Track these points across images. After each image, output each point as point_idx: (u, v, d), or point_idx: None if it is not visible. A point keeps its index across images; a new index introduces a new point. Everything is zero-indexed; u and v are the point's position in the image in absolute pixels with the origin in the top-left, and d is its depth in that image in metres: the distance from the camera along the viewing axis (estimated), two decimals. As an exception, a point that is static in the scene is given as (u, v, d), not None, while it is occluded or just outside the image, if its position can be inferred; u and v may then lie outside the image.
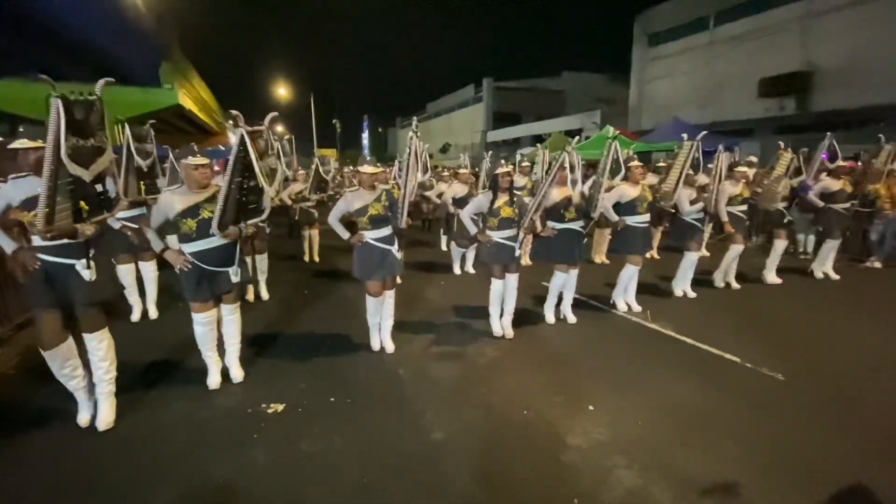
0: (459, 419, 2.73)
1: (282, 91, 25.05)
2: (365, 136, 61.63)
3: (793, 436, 2.54)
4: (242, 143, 2.68)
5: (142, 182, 4.36)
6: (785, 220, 5.53)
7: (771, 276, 5.59)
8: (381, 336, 3.75)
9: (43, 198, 2.22)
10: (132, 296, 4.55)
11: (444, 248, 7.89)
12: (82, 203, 2.39)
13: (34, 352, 3.42)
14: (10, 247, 2.48)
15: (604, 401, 2.91)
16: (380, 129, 60.87)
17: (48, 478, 2.23)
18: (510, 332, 3.99)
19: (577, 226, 4.16)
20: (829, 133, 6.07)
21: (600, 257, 6.82)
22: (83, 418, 2.67)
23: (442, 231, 7.75)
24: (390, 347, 3.70)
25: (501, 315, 4.05)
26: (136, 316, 4.54)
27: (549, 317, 4.38)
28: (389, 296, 3.63)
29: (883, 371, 3.31)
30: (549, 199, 3.99)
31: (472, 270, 6.41)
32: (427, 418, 2.73)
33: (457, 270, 6.42)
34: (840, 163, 5.75)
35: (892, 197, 6.01)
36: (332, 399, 2.95)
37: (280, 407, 2.85)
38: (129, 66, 11.60)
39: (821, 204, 5.66)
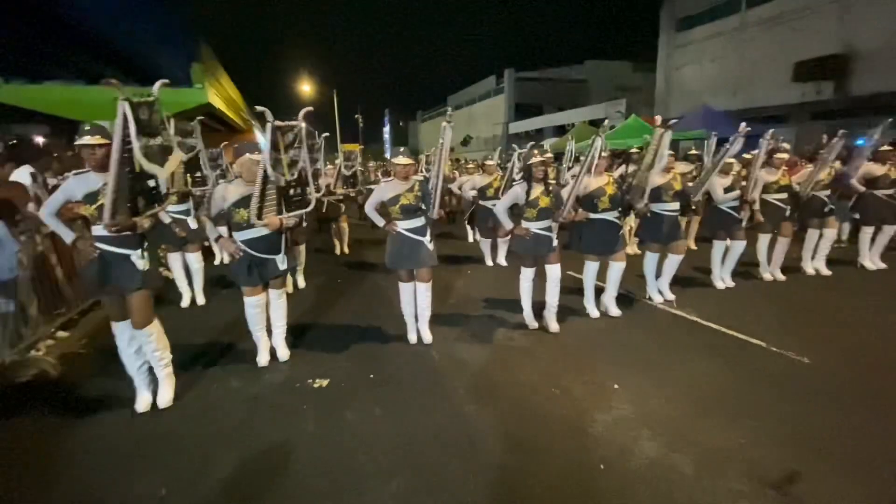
0: (490, 395, 2.89)
1: (305, 88, 25.50)
2: (386, 130, 62.01)
3: (812, 415, 2.60)
4: (273, 136, 2.85)
5: (188, 175, 4.67)
6: (826, 209, 5.23)
7: (814, 266, 5.42)
8: (419, 326, 3.79)
9: (110, 193, 2.40)
10: (181, 283, 4.90)
11: (471, 239, 8.02)
12: (140, 198, 2.56)
13: (100, 334, 3.78)
14: (69, 237, 2.71)
15: (629, 381, 3.02)
16: (400, 123, 61.17)
17: (120, 447, 2.46)
18: (555, 326, 3.90)
19: (611, 216, 4.03)
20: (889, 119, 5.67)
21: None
22: (141, 404, 2.82)
23: (466, 222, 7.81)
24: (428, 338, 3.74)
25: (537, 307, 3.99)
26: (185, 302, 4.89)
27: (592, 311, 4.26)
28: (426, 287, 3.65)
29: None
30: (584, 188, 3.96)
31: (503, 262, 6.38)
32: (459, 394, 2.91)
33: (489, 262, 6.43)
34: (886, 147, 5.46)
35: None
36: (371, 376, 3.16)
37: (325, 382, 3.09)
38: (163, 68, 12.11)
39: (862, 189, 5.42)
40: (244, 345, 3.52)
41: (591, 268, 4.19)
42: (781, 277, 5.19)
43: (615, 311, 4.25)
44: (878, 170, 5.42)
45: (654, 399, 2.81)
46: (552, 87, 34.71)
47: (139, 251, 2.65)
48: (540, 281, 3.88)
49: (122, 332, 2.77)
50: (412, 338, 3.77)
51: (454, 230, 8.96)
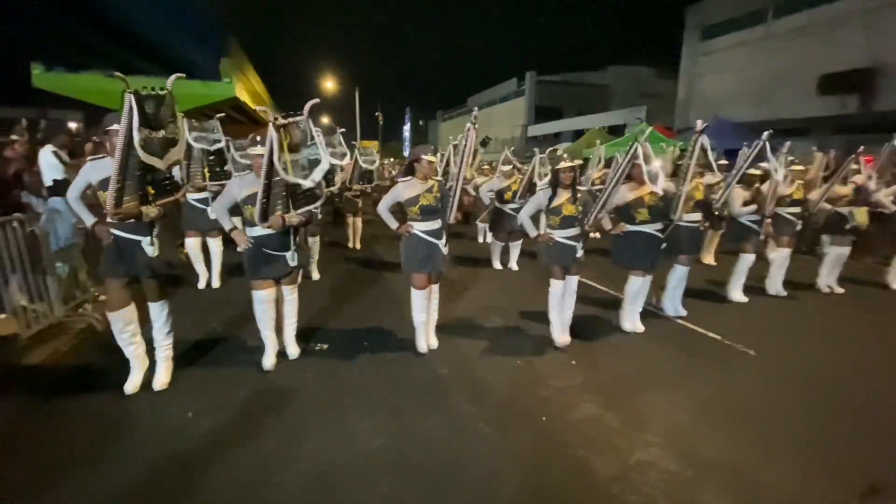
0: (504, 413, 2.80)
1: (329, 84, 25.93)
2: (406, 128, 62.37)
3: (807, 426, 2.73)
4: (278, 135, 2.72)
5: (207, 169, 4.86)
6: (847, 226, 5.14)
7: (827, 283, 5.33)
8: (427, 331, 3.66)
9: (112, 182, 2.46)
10: (199, 265, 5.16)
11: (480, 240, 8.09)
12: (149, 188, 2.64)
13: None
14: (89, 220, 2.82)
15: (655, 403, 2.95)
16: (420, 123, 61.51)
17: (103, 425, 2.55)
18: (566, 339, 3.72)
19: (650, 229, 3.78)
20: None
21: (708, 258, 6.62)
22: (132, 384, 2.87)
23: (480, 222, 7.87)
24: (434, 343, 3.65)
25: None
26: (201, 284, 5.16)
27: (626, 325, 4.07)
28: (434, 291, 3.55)
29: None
30: (620, 198, 3.74)
31: (514, 267, 6.33)
32: (467, 408, 2.90)
33: (496, 265, 6.35)
34: None
35: None
36: (378, 384, 3.13)
37: (325, 346, 3.54)
38: (194, 62, 12.59)
39: (894, 207, 5.28)
40: (252, 334, 3.41)
41: (635, 283, 3.93)
42: (783, 293, 5.16)
43: (639, 327, 4.06)
44: None
45: (685, 425, 2.64)
46: (573, 90, 34.60)
47: (149, 238, 2.71)
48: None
49: (115, 320, 2.82)
50: (422, 346, 3.59)
51: (465, 230, 9.02)
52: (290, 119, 2.79)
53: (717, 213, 4.89)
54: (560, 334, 3.74)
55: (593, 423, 2.71)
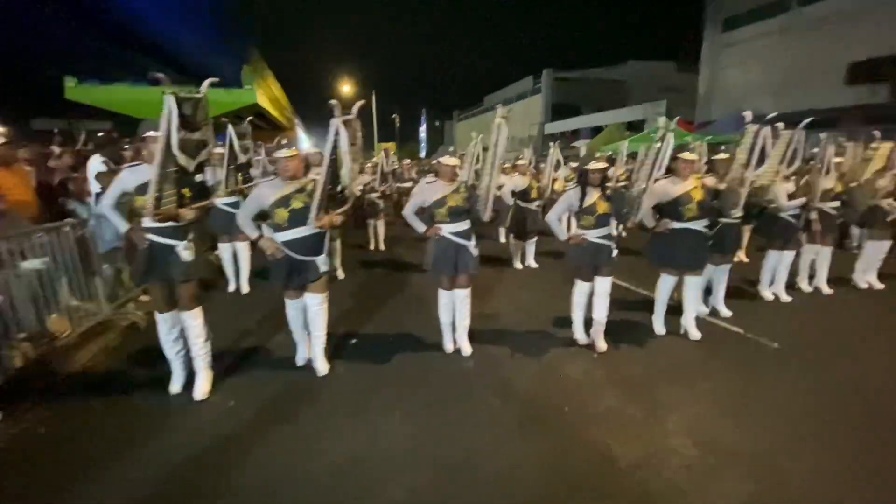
0: (535, 421, 2.76)
1: (345, 88, 26.24)
2: (422, 129, 62.58)
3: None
4: (337, 133, 2.78)
5: (240, 174, 4.96)
6: (889, 219, 4.95)
7: (866, 279, 5.18)
8: (457, 336, 3.60)
9: (153, 184, 2.50)
10: (228, 270, 5.27)
11: (503, 240, 8.03)
12: (185, 190, 2.68)
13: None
14: (123, 227, 2.83)
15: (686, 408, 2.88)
16: (437, 123, 61.63)
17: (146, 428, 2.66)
18: (602, 345, 3.58)
19: (698, 226, 3.60)
20: None
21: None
22: (175, 387, 2.98)
23: (497, 223, 7.74)
24: (467, 349, 3.54)
25: (587, 323, 3.70)
26: (231, 288, 5.28)
27: (658, 327, 3.94)
28: (465, 294, 3.45)
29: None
30: (663, 193, 3.59)
31: (534, 264, 6.38)
32: (500, 417, 2.80)
33: (517, 265, 6.38)
34: None
35: None
36: (409, 390, 3.11)
37: (355, 341, 3.63)
38: (217, 70, 12.96)
39: None
40: (283, 335, 3.54)
41: (667, 282, 3.80)
42: (828, 291, 5.00)
43: (695, 333, 3.82)
44: None
45: (707, 416, 2.64)
46: (591, 87, 34.19)
47: (184, 242, 2.73)
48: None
49: (163, 321, 2.89)
50: (448, 346, 3.58)
51: (487, 230, 8.99)
52: (348, 117, 2.87)
53: (760, 208, 4.63)
54: (582, 332, 3.74)
55: (615, 415, 2.77)
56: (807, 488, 2.15)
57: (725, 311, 4.35)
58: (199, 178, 2.75)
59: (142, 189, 2.63)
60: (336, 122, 2.79)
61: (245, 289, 5.30)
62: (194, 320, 2.91)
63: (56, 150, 5.23)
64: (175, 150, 2.47)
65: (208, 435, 2.58)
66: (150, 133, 2.64)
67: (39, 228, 3.51)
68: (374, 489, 2.18)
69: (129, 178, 2.74)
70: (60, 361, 3.30)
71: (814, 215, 4.65)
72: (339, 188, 3.03)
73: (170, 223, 2.69)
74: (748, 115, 3.71)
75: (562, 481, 2.22)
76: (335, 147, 2.84)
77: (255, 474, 2.28)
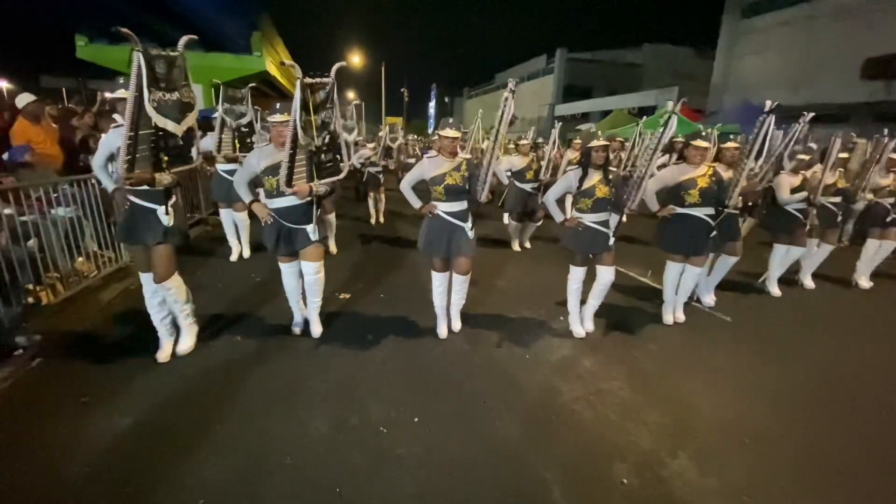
0: (526, 405, 2.73)
1: (356, 59, 25.94)
2: (432, 104, 61.83)
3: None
4: (303, 94, 2.61)
5: (237, 140, 4.88)
6: (889, 219, 4.93)
7: (864, 280, 5.15)
8: (450, 314, 3.55)
9: (123, 147, 2.34)
10: (230, 238, 5.31)
11: (506, 221, 7.77)
12: (163, 154, 2.53)
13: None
14: (111, 187, 2.89)
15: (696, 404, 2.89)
16: (446, 99, 60.85)
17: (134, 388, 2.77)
18: (590, 326, 3.60)
19: (700, 212, 3.55)
20: None
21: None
22: (162, 354, 2.96)
23: (499, 205, 7.77)
24: (456, 326, 3.56)
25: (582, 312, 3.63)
26: (234, 257, 5.28)
27: (667, 318, 3.90)
28: (464, 280, 3.35)
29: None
30: (671, 178, 3.57)
31: (527, 245, 6.33)
32: (490, 403, 2.77)
33: (515, 247, 6.31)
34: None
35: None
36: (397, 370, 3.07)
37: (347, 295, 3.79)
38: (227, 36, 12.92)
39: None
40: (280, 303, 3.55)
41: (672, 269, 3.75)
42: (810, 286, 5.02)
43: (680, 317, 3.93)
44: None
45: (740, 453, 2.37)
46: (605, 69, 33.63)
47: (164, 206, 2.69)
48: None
49: (147, 282, 2.87)
50: (442, 332, 3.49)
51: (486, 210, 8.93)
52: (318, 79, 2.70)
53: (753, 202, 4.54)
54: (579, 324, 3.60)
55: (614, 402, 2.82)
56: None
57: (709, 301, 4.38)
58: (176, 141, 2.58)
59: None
60: (300, 84, 2.61)
61: (247, 253, 5.36)
62: (170, 290, 2.87)
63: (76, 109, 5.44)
64: (150, 110, 2.34)
65: (178, 398, 2.63)
66: (120, 93, 2.56)
67: (66, 179, 3.80)
68: (359, 473, 2.12)
69: (113, 139, 2.69)
70: (87, 297, 3.72)
71: (812, 210, 4.59)
72: (326, 157, 2.93)
73: (147, 187, 2.60)
74: (769, 103, 3.58)
75: (558, 468, 2.21)
76: (301, 111, 2.66)
77: (230, 461, 2.18)
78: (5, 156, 3.81)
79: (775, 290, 4.79)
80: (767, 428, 2.58)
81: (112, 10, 12.66)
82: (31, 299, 3.23)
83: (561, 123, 7.04)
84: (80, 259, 3.80)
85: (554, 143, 6.07)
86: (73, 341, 3.18)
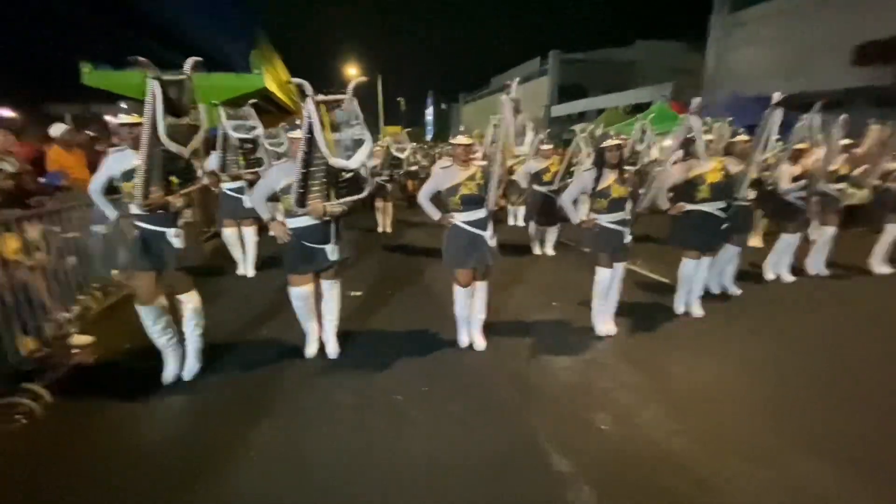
0: (553, 413, 2.71)
1: (352, 71, 26.23)
2: (429, 112, 62.12)
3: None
4: (310, 115, 2.53)
5: (242, 158, 4.86)
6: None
7: (879, 265, 5.20)
8: (471, 330, 3.44)
9: (141, 172, 2.42)
10: (236, 254, 5.25)
11: (510, 223, 8.10)
12: (172, 178, 2.60)
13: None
14: (112, 214, 2.85)
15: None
16: (443, 106, 61.13)
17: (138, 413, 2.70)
18: (612, 328, 3.61)
19: (710, 208, 3.58)
20: None
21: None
22: (168, 375, 2.92)
23: (508, 206, 7.92)
24: (480, 344, 3.39)
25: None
26: (240, 271, 5.26)
27: (679, 307, 3.98)
28: (483, 286, 3.29)
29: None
30: (679, 176, 3.62)
31: (550, 252, 6.22)
32: (518, 413, 2.74)
33: (536, 251, 6.25)
34: None
35: None
36: (422, 387, 2.99)
37: (359, 292, 3.93)
38: (227, 55, 13.19)
39: None
40: (290, 323, 3.37)
41: (687, 266, 3.76)
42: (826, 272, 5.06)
43: (699, 311, 3.96)
44: None
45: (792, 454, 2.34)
46: (599, 68, 33.77)
47: (174, 229, 2.67)
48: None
49: (147, 314, 2.78)
50: (463, 340, 3.44)
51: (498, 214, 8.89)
52: (333, 97, 2.65)
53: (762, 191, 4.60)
54: (603, 323, 3.62)
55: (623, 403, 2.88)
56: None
57: (735, 290, 4.45)
58: (184, 162, 2.64)
59: (128, 175, 2.58)
60: (311, 102, 2.55)
61: (251, 273, 5.28)
62: (188, 302, 2.86)
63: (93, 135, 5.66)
64: (163, 137, 2.39)
65: (185, 422, 2.63)
66: (123, 118, 2.58)
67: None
68: (376, 488, 2.11)
69: (114, 164, 2.66)
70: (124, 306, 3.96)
71: (814, 196, 4.64)
72: (342, 175, 2.86)
73: (158, 210, 2.62)
74: (776, 95, 3.60)
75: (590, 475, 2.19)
76: (311, 131, 2.59)
77: (251, 475, 2.20)
78: (43, 179, 4.05)
79: (769, 275, 4.94)
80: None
81: (112, 36, 12.98)
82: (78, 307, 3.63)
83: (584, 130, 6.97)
84: (115, 272, 4.20)
85: (574, 148, 6.09)
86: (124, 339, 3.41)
